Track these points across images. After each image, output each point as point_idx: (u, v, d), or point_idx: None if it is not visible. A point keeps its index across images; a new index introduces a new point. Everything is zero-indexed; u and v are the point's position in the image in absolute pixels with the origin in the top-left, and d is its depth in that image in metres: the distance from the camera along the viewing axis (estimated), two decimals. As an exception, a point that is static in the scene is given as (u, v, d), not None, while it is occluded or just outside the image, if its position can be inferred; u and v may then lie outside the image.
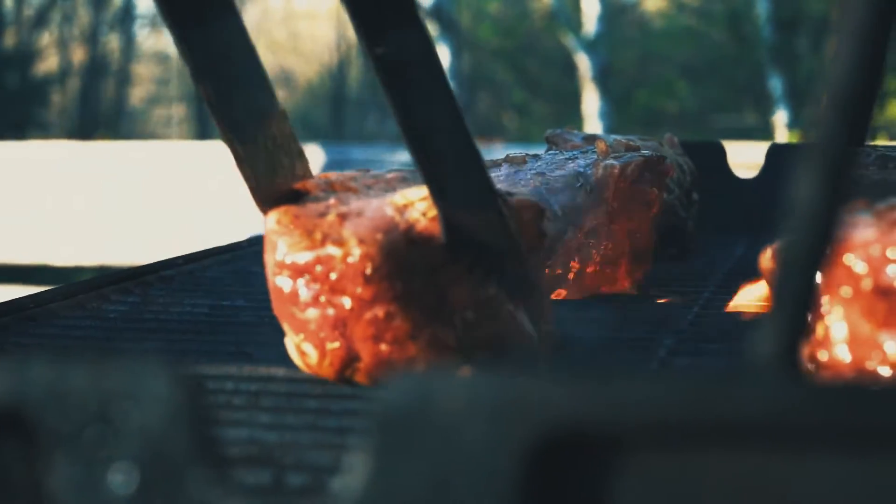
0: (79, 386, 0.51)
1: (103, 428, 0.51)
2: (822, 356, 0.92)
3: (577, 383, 0.50)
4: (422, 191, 1.06)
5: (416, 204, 1.05)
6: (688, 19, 13.54)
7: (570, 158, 1.51)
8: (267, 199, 1.08)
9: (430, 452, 0.50)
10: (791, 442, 0.49)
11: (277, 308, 1.07)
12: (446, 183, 1.01)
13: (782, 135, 11.32)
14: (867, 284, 0.89)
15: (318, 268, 1.02)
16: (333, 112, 13.42)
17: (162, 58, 12.33)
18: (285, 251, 1.04)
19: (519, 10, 13.29)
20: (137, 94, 12.40)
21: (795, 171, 0.54)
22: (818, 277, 0.52)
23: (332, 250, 1.02)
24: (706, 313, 1.43)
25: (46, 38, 11.64)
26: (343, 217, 1.05)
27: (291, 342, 1.08)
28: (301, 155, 1.13)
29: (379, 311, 1.02)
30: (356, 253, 1.01)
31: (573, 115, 11.63)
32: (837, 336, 0.91)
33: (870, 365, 0.90)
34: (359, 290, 1.01)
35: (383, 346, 1.03)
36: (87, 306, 1.42)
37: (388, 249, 1.01)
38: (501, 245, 1.07)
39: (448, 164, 1.00)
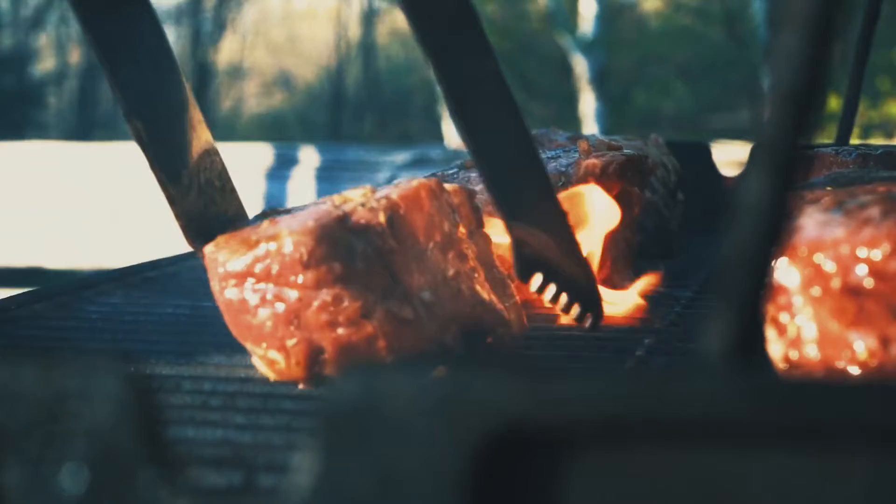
0: (29, 386, 0.51)
1: (53, 428, 0.51)
2: (793, 355, 0.92)
3: (522, 382, 0.50)
4: (361, 191, 1.10)
5: (354, 199, 1.08)
6: (684, 19, 13.54)
7: (552, 158, 1.51)
8: (198, 237, 1.11)
9: (377, 450, 0.50)
10: (736, 437, 0.49)
11: (234, 327, 1.09)
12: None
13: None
14: (836, 283, 0.89)
15: (258, 267, 1.05)
16: (332, 113, 13.42)
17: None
18: (225, 262, 1.06)
19: (516, 12, 13.28)
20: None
21: (746, 169, 0.54)
22: (768, 274, 0.52)
23: (267, 245, 1.04)
24: (687, 312, 1.43)
25: (43, 39, 11.65)
26: (276, 221, 1.08)
27: (257, 357, 1.10)
28: (233, 192, 1.17)
29: (326, 296, 1.04)
30: (290, 241, 1.03)
31: (570, 115, 11.63)
32: (808, 335, 0.91)
33: (839, 364, 0.90)
34: (300, 278, 1.03)
35: (340, 331, 1.05)
36: (69, 307, 1.42)
37: (321, 234, 1.03)
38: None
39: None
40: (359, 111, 13.40)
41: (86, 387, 0.52)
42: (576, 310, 1.12)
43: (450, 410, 0.50)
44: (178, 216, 1.10)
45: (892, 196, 0.91)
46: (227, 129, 12.26)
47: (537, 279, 1.12)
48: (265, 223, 1.10)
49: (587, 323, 1.13)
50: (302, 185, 4.94)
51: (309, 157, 5.04)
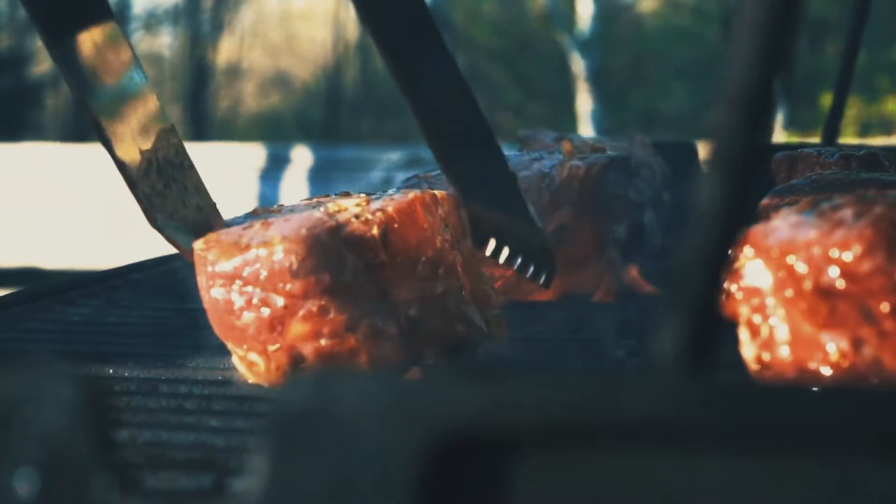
0: (-20, 391, 0.51)
1: (5, 433, 0.51)
2: (766, 356, 0.92)
3: (471, 385, 0.50)
4: (356, 199, 1.09)
5: (349, 209, 1.07)
6: (681, 19, 13.54)
7: (535, 159, 1.51)
8: (160, 215, 1.11)
9: (328, 453, 0.50)
10: (684, 441, 0.49)
11: (217, 325, 1.09)
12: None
13: (778, 133, 11.32)
14: (809, 285, 0.89)
15: (247, 271, 1.04)
16: (329, 113, 13.42)
17: (155, 59, 12.33)
18: (214, 262, 1.06)
19: (514, 11, 13.28)
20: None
21: (703, 173, 0.54)
22: (722, 277, 0.52)
23: (257, 251, 1.04)
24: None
25: (41, 41, 11.65)
26: (268, 224, 1.07)
27: (237, 357, 1.10)
28: (192, 167, 1.17)
29: (312, 306, 1.03)
30: (280, 249, 1.03)
31: (568, 115, 11.63)
32: (780, 337, 0.91)
33: (812, 365, 0.90)
34: (288, 286, 1.03)
35: (323, 342, 1.04)
36: (51, 310, 1.42)
37: (312, 244, 1.03)
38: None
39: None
40: (356, 111, 13.40)
41: (36, 392, 0.52)
42: (530, 269, 1.17)
43: (399, 414, 0.50)
44: (138, 198, 1.10)
45: (866, 198, 0.91)
46: (225, 128, 12.27)
47: (492, 244, 1.16)
48: (257, 225, 1.08)
49: (541, 281, 1.18)
50: (296, 184, 4.94)
51: (303, 157, 5.05)
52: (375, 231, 1.06)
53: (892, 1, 12.16)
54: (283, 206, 1.16)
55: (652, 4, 14.10)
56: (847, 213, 0.89)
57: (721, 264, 0.52)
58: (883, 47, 11.99)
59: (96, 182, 6.11)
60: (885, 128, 11.57)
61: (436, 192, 1.15)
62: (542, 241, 1.20)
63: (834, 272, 0.87)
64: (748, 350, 0.93)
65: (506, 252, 1.17)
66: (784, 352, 0.91)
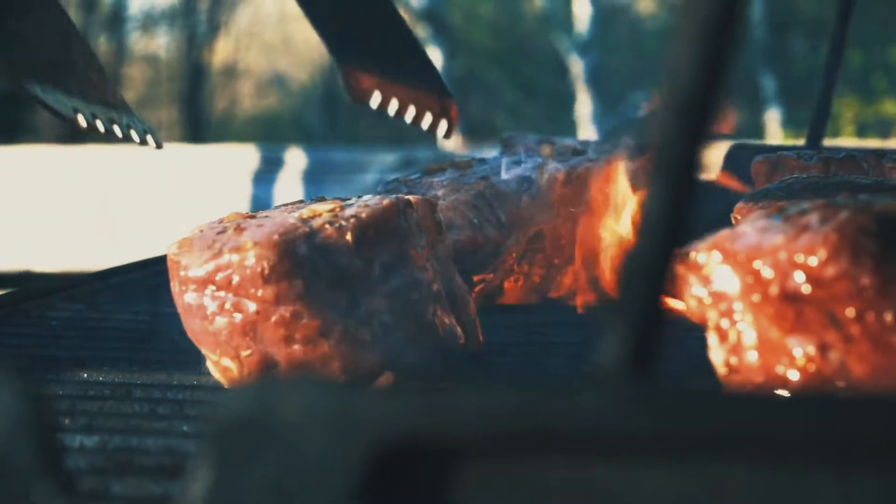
0: (-77, 400, 0.51)
1: (-50, 441, 0.51)
2: (733, 361, 0.92)
3: (412, 395, 0.50)
4: (330, 205, 1.09)
5: (322, 214, 1.07)
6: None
7: (515, 162, 1.51)
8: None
9: (270, 461, 0.50)
10: (623, 448, 0.49)
11: (190, 329, 1.09)
12: None
13: (775, 133, 11.30)
14: (775, 290, 0.89)
15: (220, 276, 1.04)
16: (326, 114, 13.41)
17: (152, 60, 12.33)
18: (187, 267, 1.06)
19: (511, 12, 13.28)
20: (130, 97, 12.42)
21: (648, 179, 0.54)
22: (664, 287, 0.52)
23: (230, 256, 1.04)
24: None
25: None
26: (241, 230, 1.07)
27: (211, 362, 1.10)
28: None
29: (285, 312, 1.04)
30: (252, 255, 1.03)
31: (567, 116, 11.62)
32: (748, 341, 0.91)
33: (779, 370, 0.90)
34: (260, 291, 1.03)
35: (296, 347, 1.05)
36: (31, 314, 1.42)
37: (285, 249, 1.03)
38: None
39: None
40: (353, 112, 13.39)
41: (-20, 401, 0.52)
42: (427, 119, 1.14)
43: (341, 422, 0.50)
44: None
45: (833, 203, 0.91)
46: (222, 130, 12.26)
47: (376, 97, 1.14)
48: (230, 231, 1.09)
49: (440, 130, 1.16)
50: (289, 186, 4.93)
51: (296, 159, 5.04)
52: (349, 237, 1.06)
53: (888, 2, 12.15)
54: (258, 213, 1.16)
55: (649, 5, 14.09)
56: (813, 217, 0.89)
57: (663, 272, 0.53)
58: (880, 48, 11.97)
59: (91, 184, 6.11)
60: (883, 128, 11.56)
61: (410, 197, 1.15)
62: (440, 92, 1.16)
63: (799, 277, 0.87)
64: (716, 354, 0.93)
65: (395, 104, 1.14)
66: (751, 356, 0.91)
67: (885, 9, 11.99)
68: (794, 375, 0.89)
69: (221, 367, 1.09)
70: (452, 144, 5.84)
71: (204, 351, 1.09)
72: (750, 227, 0.92)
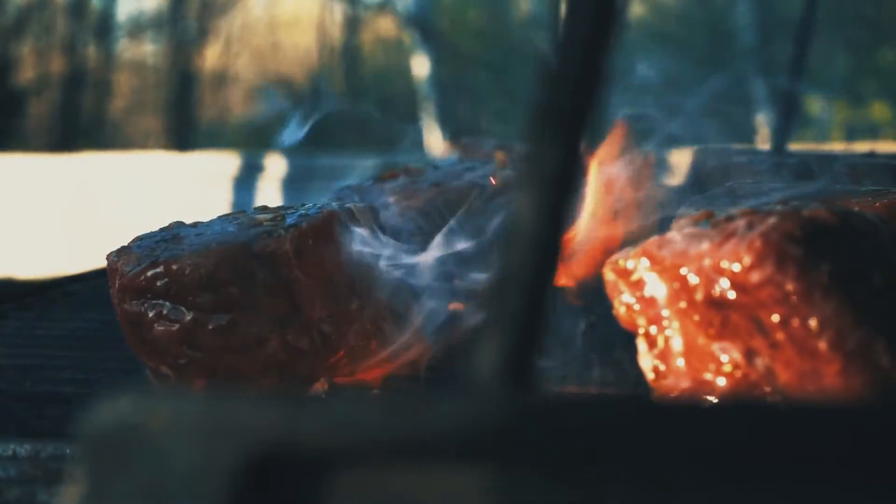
0: None
1: None
2: (662, 367, 0.92)
3: (283, 405, 0.50)
4: (272, 214, 1.09)
5: (263, 223, 1.07)
6: (668, 25, 13.55)
7: (468, 168, 1.51)
8: None
9: (142, 471, 0.50)
10: (496, 458, 0.49)
11: (129, 337, 1.09)
12: None
13: (766, 137, 11.32)
14: (700, 297, 0.89)
15: (158, 283, 1.04)
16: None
17: (139, 67, 12.31)
18: (125, 275, 1.06)
19: (499, 18, 13.29)
20: (118, 105, 12.42)
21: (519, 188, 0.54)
22: (538, 293, 0.52)
23: (167, 265, 1.04)
24: (600, 324, 1.43)
25: (25, 49, 11.64)
26: (180, 238, 1.07)
27: (149, 370, 1.10)
28: None
29: (221, 320, 1.04)
30: (189, 263, 1.03)
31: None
32: (675, 348, 0.91)
33: (707, 376, 0.90)
34: (197, 299, 1.03)
35: (233, 356, 1.04)
36: (-19, 323, 1.42)
37: (221, 258, 1.03)
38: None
39: None
40: (342, 118, 13.37)
41: None
42: None
43: (212, 432, 0.50)
44: None
45: (761, 209, 0.91)
46: (212, 137, 12.25)
47: None
48: (170, 240, 1.09)
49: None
50: (271, 193, 4.94)
51: (278, 165, 5.04)
52: (288, 247, 1.06)
53: (878, 5, 12.17)
54: (200, 222, 1.16)
55: (638, 10, 14.12)
56: (740, 224, 0.89)
57: (539, 280, 0.52)
58: (868, 52, 11.99)
59: (75, 191, 6.11)
60: (872, 132, 11.58)
61: (351, 205, 1.15)
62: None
63: (725, 284, 0.87)
64: (645, 361, 0.93)
65: None
66: (679, 363, 0.91)
67: (874, 13, 12.01)
68: (721, 381, 0.89)
69: (160, 375, 1.09)
70: (438, 150, 5.84)
71: (142, 358, 1.09)
72: (678, 234, 0.92)
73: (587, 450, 0.48)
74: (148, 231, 1.16)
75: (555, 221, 0.52)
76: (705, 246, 0.89)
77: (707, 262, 0.88)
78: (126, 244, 1.11)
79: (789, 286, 0.85)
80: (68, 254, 5.99)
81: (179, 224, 1.15)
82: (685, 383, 0.90)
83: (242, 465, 0.49)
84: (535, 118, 0.52)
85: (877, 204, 1.06)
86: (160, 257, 1.05)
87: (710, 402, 0.52)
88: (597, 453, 0.48)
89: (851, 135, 11.33)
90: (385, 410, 0.49)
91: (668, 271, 0.90)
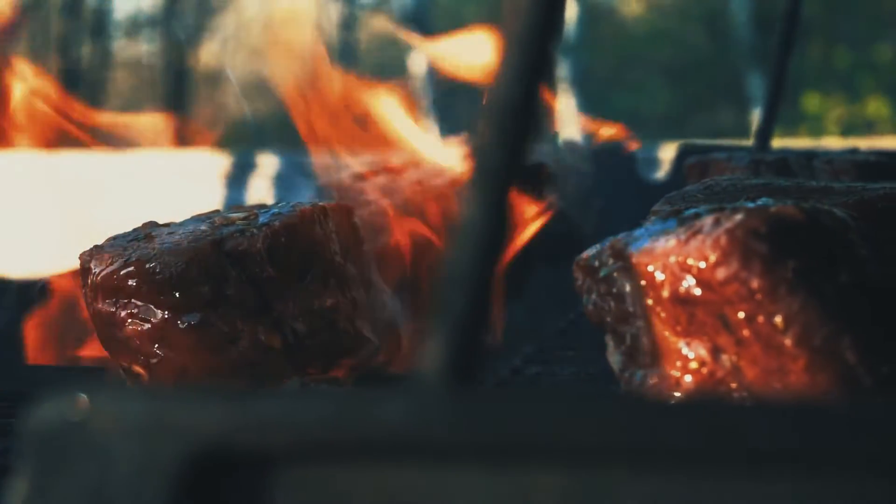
0: None
1: None
2: (628, 363, 0.92)
3: (224, 403, 0.50)
4: (244, 213, 1.09)
5: (236, 222, 1.07)
6: (665, 21, 13.55)
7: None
8: None
9: (84, 470, 0.50)
10: (438, 456, 0.49)
11: (101, 336, 1.09)
12: None
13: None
14: (667, 294, 0.89)
15: (130, 282, 1.04)
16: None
17: (136, 65, 12.33)
18: (97, 274, 1.06)
19: (495, 14, 13.29)
20: (114, 104, 12.43)
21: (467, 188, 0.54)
22: (482, 293, 0.52)
23: (139, 264, 1.04)
24: (582, 321, 1.43)
25: (20, 47, 11.63)
26: (152, 238, 1.07)
27: (121, 369, 1.10)
28: None
29: (193, 319, 1.04)
30: (159, 262, 1.03)
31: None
32: (643, 345, 0.91)
33: (673, 373, 0.90)
34: (169, 298, 1.03)
35: (205, 354, 1.05)
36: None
37: (192, 257, 1.03)
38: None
39: None
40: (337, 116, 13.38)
41: None
42: None
43: (153, 430, 0.50)
44: None
45: (729, 206, 0.91)
46: (208, 135, 12.25)
47: None
48: (142, 239, 1.09)
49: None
50: (263, 190, 4.93)
51: (267, 163, 5.04)
52: (260, 245, 1.06)
53: (873, 1, 12.18)
54: (173, 222, 1.16)
55: (635, 7, 14.11)
56: (707, 221, 0.89)
57: (483, 278, 0.52)
58: (864, 47, 12.00)
59: (70, 189, 6.10)
60: (868, 128, 11.58)
61: (325, 204, 1.15)
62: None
63: (690, 281, 0.87)
64: (614, 357, 0.93)
65: None
66: (647, 360, 0.91)
67: (869, 8, 12.02)
68: (687, 378, 0.89)
69: (132, 374, 1.09)
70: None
71: (113, 356, 1.09)
72: (645, 231, 0.92)
73: (526, 445, 0.48)
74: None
75: (496, 221, 0.52)
76: (672, 243, 0.89)
77: (673, 259, 0.88)
78: (99, 243, 1.11)
79: (755, 283, 0.85)
80: (62, 251, 5.97)
81: (152, 224, 1.15)
82: (652, 380, 0.90)
83: (183, 463, 0.49)
84: (481, 116, 0.52)
85: (849, 201, 1.06)
86: (132, 257, 1.05)
87: (650, 399, 0.52)
88: (537, 448, 0.48)
89: (847, 131, 11.33)
90: (325, 408, 0.49)
91: (634, 268, 0.90)
